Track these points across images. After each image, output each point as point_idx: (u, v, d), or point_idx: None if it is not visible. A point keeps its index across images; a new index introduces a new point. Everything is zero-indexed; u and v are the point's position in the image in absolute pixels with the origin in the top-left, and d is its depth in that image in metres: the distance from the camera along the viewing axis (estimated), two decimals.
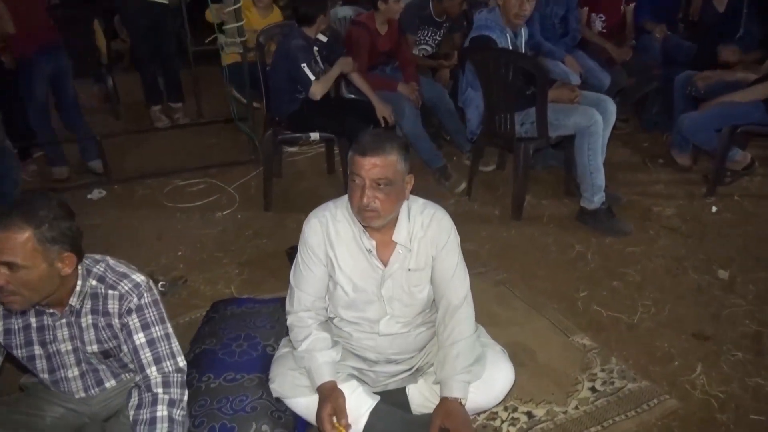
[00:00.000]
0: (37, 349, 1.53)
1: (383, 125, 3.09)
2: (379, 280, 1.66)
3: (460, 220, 3.17)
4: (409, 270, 1.68)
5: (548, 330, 2.28)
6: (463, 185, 3.37)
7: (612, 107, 3.03)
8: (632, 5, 4.32)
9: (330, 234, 1.65)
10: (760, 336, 2.25)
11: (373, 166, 1.50)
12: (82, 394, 1.60)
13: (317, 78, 2.91)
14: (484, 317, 2.27)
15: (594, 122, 2.82)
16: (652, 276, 2.62)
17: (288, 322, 1.72)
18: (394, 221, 1.64)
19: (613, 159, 3.74)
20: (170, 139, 3.90)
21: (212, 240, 2.81)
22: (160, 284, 2.34)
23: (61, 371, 1.56)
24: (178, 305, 2.33)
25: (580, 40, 4.21)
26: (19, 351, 1.53)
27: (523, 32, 3.04)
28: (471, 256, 2.76)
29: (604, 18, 4.28)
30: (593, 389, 1.97)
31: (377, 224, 1.58)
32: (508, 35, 2.91)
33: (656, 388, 1.97)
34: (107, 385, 1.62)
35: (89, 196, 3.09)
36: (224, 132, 4.11)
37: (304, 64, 2.86)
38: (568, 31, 4.11)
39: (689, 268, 2.67)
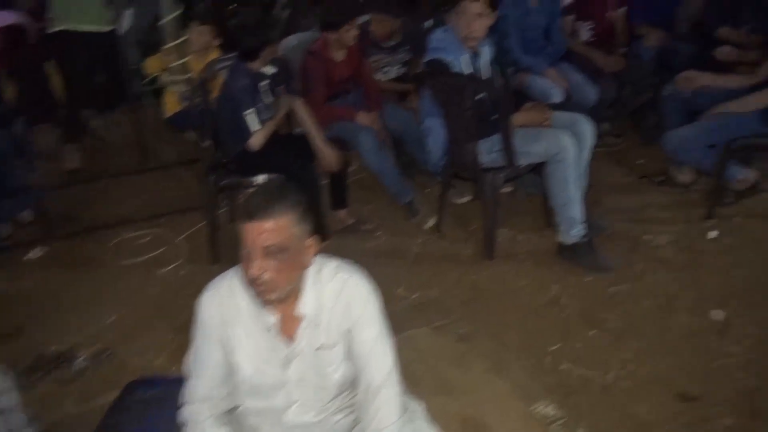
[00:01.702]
0: None
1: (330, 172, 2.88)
2: (284, 361, 1.41)
3: (426, 261, 3.02)
4: (319, 348, 1.42)
5: (509, 397, 2.00)
6: (433, 221, 3.10)
7: (588, 128, 2.74)
8: (623, 9, 4.00)
9: (227, 309, 1.41)
10: (756, 393, 1.93)
11: (260, 232, 1.26)
12: None
13: (262, 124, 2.70)
14: (435, 385, 2.02)
15: (563, 149, 2.54)
16: (635, 322, 2.31)
17: (181, 417, 1.49)
18: (298, 291, 1.40)
19: (604, 180, 3.45)
20: (122, 184, 3.70)
21: (150, 301, 2.60)
22: (77, 360, 2.13)
23: None
24: (99, 383, 2.11)
25: (566, 52, 3.92)
26: None
27: (485, 51, 2.78)
28: (434, 306, 2.53)
29: (592, 26, 3.98)
30: None
31: (272, 298, 1.34)
32: (465, 57, 2.65)
33: None
34: None
35: (27, 257, 2.92)
36: (177, 175, 3.87)
37: (248, 111, 2.65)
38: (552, 43, 3.84)
39: (680, 309, 2.36)
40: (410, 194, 3.21)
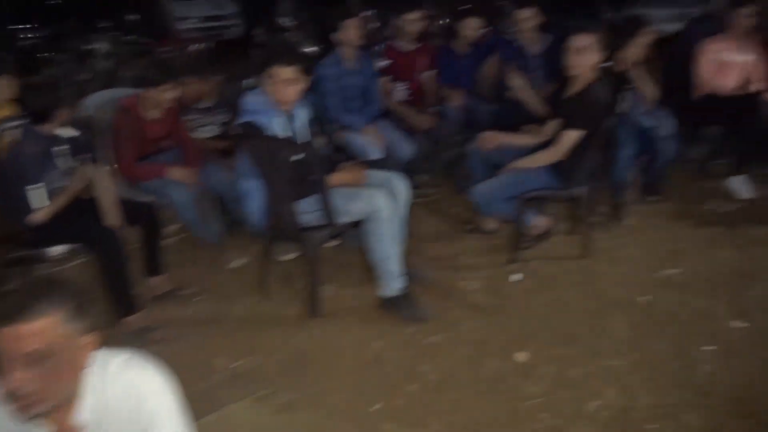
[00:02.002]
0: None
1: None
2: None
3: (249, 325, 2.90)
4: None
5: None
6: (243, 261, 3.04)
7: (403, 185, 2.89)
8: (432, 72, 4.33)
9: None
10: None
11: (17, 337, 1.10)
12: None
13: (51, 197, 2.46)
14: None
15: (379, 208, 2.64)
16: (451, 372, 2.42)
17: None
18: (74, 397, 1.24)
19: (421, 230, 3.64)
20: None
21: None
22: None
23: None
24: None
25: (384, 110, 4.13)
26: None
27: (301, 114, 2.81)
28: (255, 374, 2.42)
29: (406, 86, 4.25)
30: None
31: (38, 412, 1.17)
32: (281, 119, 2.66)
33: None
34: None
35: None
36: None
37: (33, 186, 2.41)
38: (369, 102, 4.02)
39: (488, 354, 2.52)
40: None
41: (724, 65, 4.15)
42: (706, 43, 4.22)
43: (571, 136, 2.97)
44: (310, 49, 5.63)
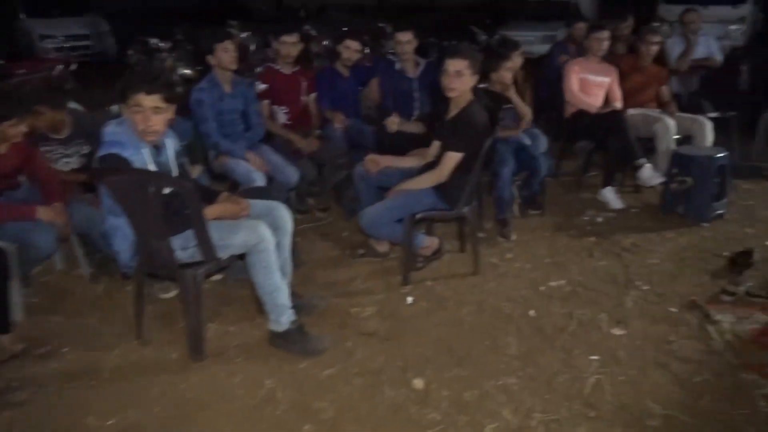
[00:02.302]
0: None
1: None
2: None
3: (125, 376, 2.64)
4: None
5: None
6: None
7: (286, 214, 2.77)
8: (313, 95, 4.26)
9: None
10: None
11: None
12: None
13: None
14: None
15: (262, 239, 2.49)
16: (348, 406, 2.32)
17: None
18: None
19: (311, 256, 3.54)
20: None
21: None
22: None
23: None
24: None
25: (266, 135, 3.99)
26: None
27: (169, 144, 2.60)
28: None
29: (287, 110, 4.15)
30: None
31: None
32: (146, 151, 2.44)
33: None
34: None
35: None
36: None
37: None
38: (250, 126, 3.87)
39: (386, 383, 2.44)
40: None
41: (588, 85, 4.45)
42: (570, 65, 4.50)
43: (452, 158, 3.01)
44: (185, 72, 5.36)
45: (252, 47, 6.01)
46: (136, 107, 2.31)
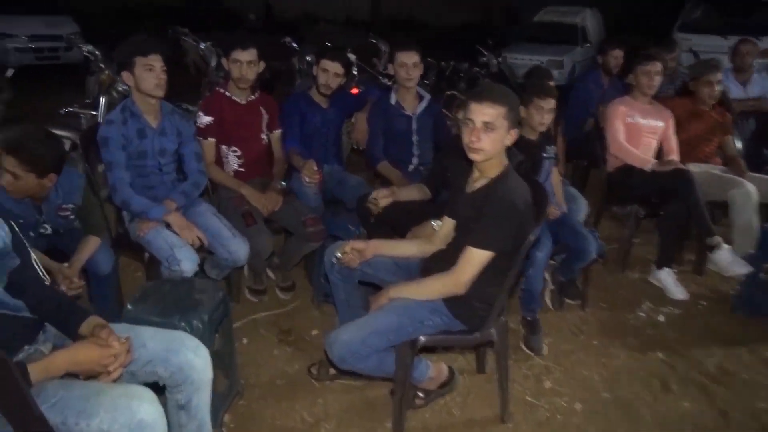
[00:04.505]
0: None
1: None
2: None
3: None
4: None
5: None
6: None
7: (199, 359, 1.66)
8: (278, 132, 3.12)
9: None
10: None
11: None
12: None
13: None
14: None
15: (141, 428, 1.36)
16: None
17: None
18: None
19: (260, 373, 2.54)
20: None
21: None
22: None
23: None
24: None
25: (208, 186, 2.88)
26: None
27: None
28: None
29: (239, 152, 3.01)
30: None
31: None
32: None
33: None
34: None
35: None
36: None
37: None
38: (185, 175, 2.76)
39: None
40: None
41: (637, 131, 3.40)
42: (615, 106, 3.44)
43: (477, 258, 1.90)
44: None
45: (212, 63, 4.87)
46: None
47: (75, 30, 10.32)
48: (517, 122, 1.92)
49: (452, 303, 1.98)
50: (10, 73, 6.51)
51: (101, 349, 1.45)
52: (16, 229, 1.56)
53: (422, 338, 1.99)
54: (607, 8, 12.34)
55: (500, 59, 6.98)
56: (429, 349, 2.20)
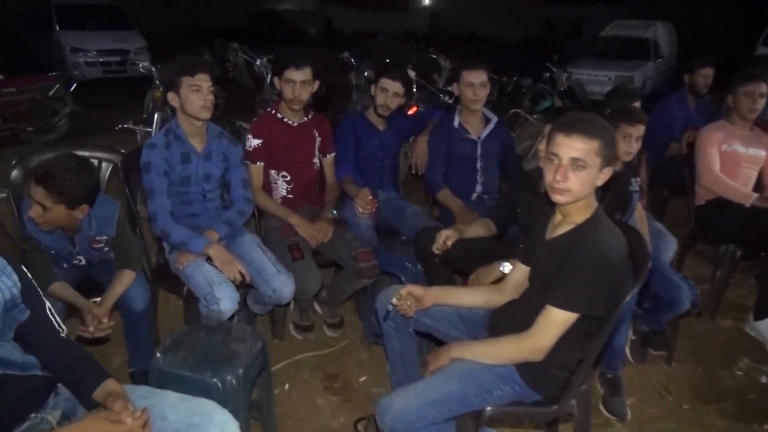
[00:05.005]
0: None
1: None
2: None
3: None
4: None
5: None
6: None
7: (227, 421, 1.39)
8: (331, 156, 2.90)
9: None
10: None
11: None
12: None
13: None
14: None
15: None
16: None
17: None
18: None
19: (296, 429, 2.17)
20: None
21: None
22: None
23: None
24: None
25: (255, 214, 2.68)
26: None
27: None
28: None
29: (288, 177, 2.79)
30: None
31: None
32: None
33: None
34: None
35: None
36: None
37: None
38: (231, 202, 2.57)
39: None
40: None
41: (735, 161, 2.99)
42: (708, 132, 3.04)
43: (559, 320, 1.58)
44: None
45: (267, 80, 4.72)
46: None
47: (142, 45, 10.60)
48: (612, 159, 1.60)
49: (526, 370, 1.67)
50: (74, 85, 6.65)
51: (112, 426, 1.23)
52: (29, 277, 1.36)
53: (488, 409, 1.68)
54: (680, 21, 11.70)
55: (567, 74, 6.59)
56: (495, 422, 1.89)
